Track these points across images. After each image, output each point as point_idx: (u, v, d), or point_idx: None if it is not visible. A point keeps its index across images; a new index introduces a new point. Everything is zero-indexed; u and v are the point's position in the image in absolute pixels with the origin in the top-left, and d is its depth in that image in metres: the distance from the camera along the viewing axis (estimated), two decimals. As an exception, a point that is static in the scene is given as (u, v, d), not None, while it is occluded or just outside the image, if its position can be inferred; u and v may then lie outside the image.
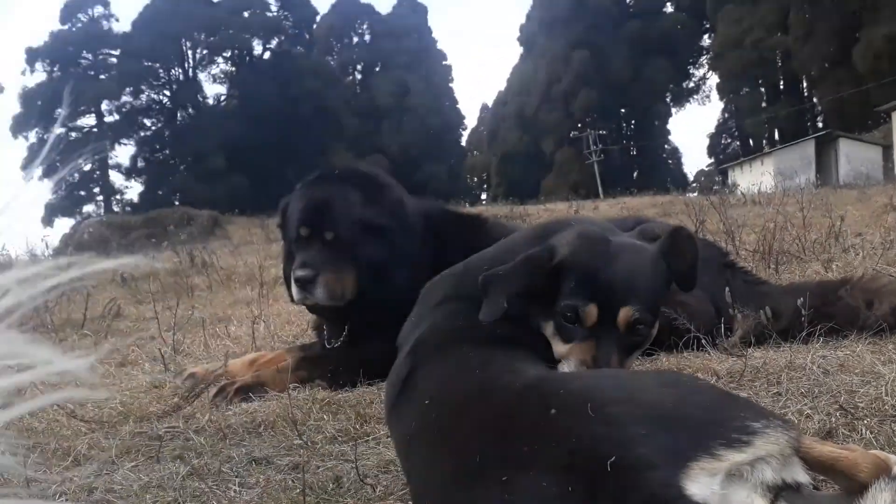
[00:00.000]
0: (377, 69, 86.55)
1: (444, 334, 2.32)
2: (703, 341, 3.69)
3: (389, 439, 2.79)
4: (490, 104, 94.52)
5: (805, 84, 67.99)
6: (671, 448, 1.47)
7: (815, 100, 66.27)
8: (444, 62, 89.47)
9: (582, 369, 2.20)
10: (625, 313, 2.23)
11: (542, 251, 2.31)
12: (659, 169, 76.21)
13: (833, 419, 2.59)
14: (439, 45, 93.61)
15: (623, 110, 78.62)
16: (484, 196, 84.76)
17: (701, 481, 1.44)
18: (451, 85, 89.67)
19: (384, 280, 4.11)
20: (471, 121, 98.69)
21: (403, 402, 2.19)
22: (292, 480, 2.54)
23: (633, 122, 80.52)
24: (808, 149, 44.02)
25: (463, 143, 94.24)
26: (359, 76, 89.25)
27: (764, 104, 69.99)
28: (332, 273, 4.02)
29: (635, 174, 78.78)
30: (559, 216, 3.08)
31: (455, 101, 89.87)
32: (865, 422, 2.54)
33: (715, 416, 1.56)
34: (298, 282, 3.98)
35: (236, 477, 2.63)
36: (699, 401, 1.61)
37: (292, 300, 4.32)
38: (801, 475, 1.57)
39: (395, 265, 4.14)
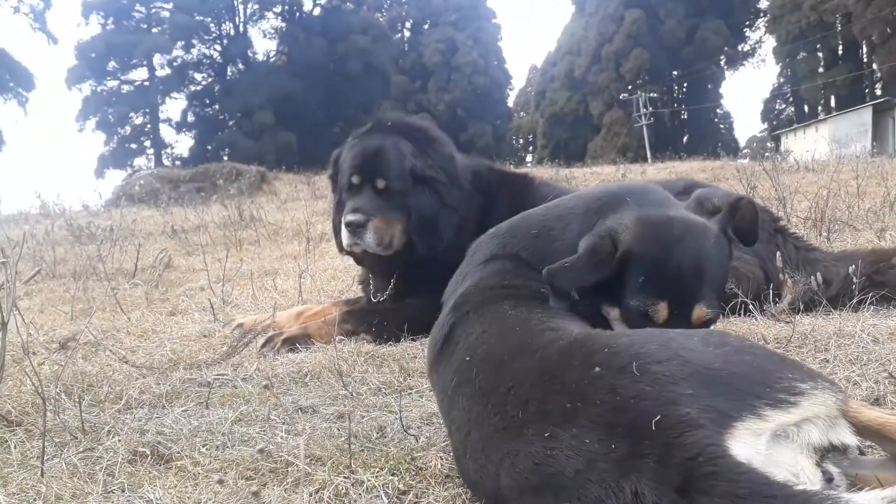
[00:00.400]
0: (426, 27, 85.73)
1: (487, 292, 2.32)
2: (751, 306, 3.65)
3: (432, 393, 2.82)
4: (538, 65, 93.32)
5: (865, 49, 65.87)
6: (716, 408, 1.46)
7: (874, 66, 64.22)
8: (493, 20, 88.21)
9: None
10: (698, 312, 2.18)
11: (603, 241, 2.22)
12: (710, 134, 74.74)
13: (881, 387, 2.55)
14: (489, 3, 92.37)
15: (675, 73, 76.90)
16: (529, 158, 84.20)
17: (745, 441, 1.43)
18: (499, 44, 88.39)
19: (432, 232, 4.14)
20: (518, 81, 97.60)
21: (445, 357, 2.21)
22: (338, 429, 2.59)
23: (684, 84, 78.83)
24: (864, 116, 42.79)
25: (510, 103, 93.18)
26: (407, 33, 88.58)
27: (821, 69, 68.02)
28: (383, 220, 4.07)
29: (685, 138, 77.33)
30: (611, 184, 2.93)
31: (503, 61, 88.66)
32: (915, 390, 2.50)
33: (761, 376, 1.54)
34: (349, 226, 4.04)
35: (283, 424, 2.69)
36: (746, 361, 1.59)
37: (340, 249, 4.37)
38: (848, 437, 1.55)
39: (443, 218, 4.17)
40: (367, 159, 4.15)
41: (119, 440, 2.56)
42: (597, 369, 1.62)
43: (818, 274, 3.87)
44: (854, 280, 3.77)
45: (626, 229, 2.23)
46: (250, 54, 79.55)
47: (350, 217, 4.04)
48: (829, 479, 1.50)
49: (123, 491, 2.16)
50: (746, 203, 2.39)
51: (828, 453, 1.52)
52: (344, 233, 4.10)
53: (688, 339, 1.68)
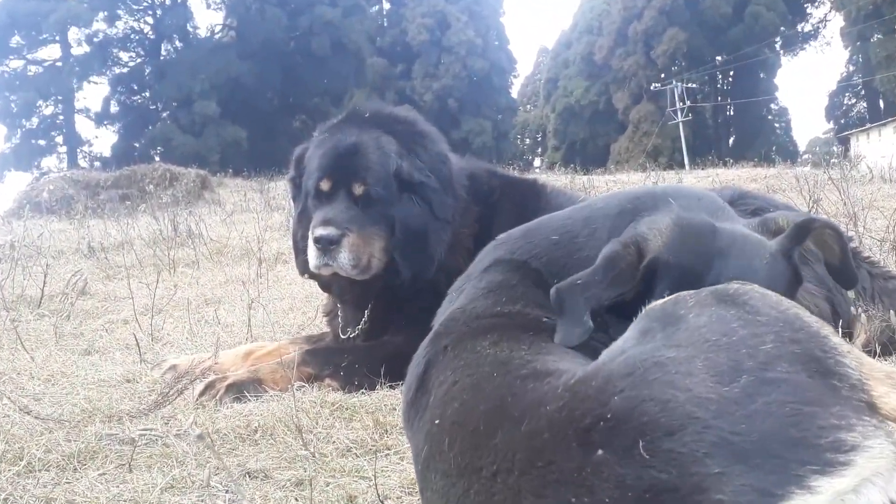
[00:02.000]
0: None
1: (473, 321, 2.31)
2: (815, 348, 3.65)
3: (416, 454, 2.80)
4: (550, 47, 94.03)
5: (955, 31, 66.53)
6: (755, 487, 1.45)
7: (966, 51, 64.81)
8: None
9: None
10: None
11: (626, 246, 2.23)
12: (762, 134, 75.12)
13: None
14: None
15: (719, 58, 77.52)
16: (538, 162, 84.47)
17: None
18: (501, 20, 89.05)
19: (419, 251, 4.13)
20: (525, 67, 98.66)
21: (418, 410, 2.20)
22: (296, 499, 2.57)
23: (730, 73, 79.46)
24: (955, 114, 43.16)
25: (514, 94, 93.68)
26: (387, 5, 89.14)
27: (900, 55, 68.64)
28: (361, 236, 4.05)
29: (731, 140, 77.89)
30: (657, 185, 2.88)
31: (506, 41, 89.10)
32: None
33: (799, 429, 1.51)
34: (320, 242, 4.00)
35: (226, 492, 2.66)
36: (774, 403, 1.54)
37: (303, 271, 4.35)
38: None
39: (434, 234, 4.16)
40: (342, 158, 4.14)
41: (18, 512, 2.53)
42: (599, 452, 1.59)
43: (898, 308, 3.88)
44: (944, 317, 3.78)
45: (658, 234, 2.24)
46: (190, 29, 79.44)
47: (321, 231, 4.01)
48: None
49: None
50: (823, 225, 2.36)
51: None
52: (311, 251, 4.07)
53: (690, 372, 1.62)
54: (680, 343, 1.71)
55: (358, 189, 4.10)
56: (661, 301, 1.92)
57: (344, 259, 4.02)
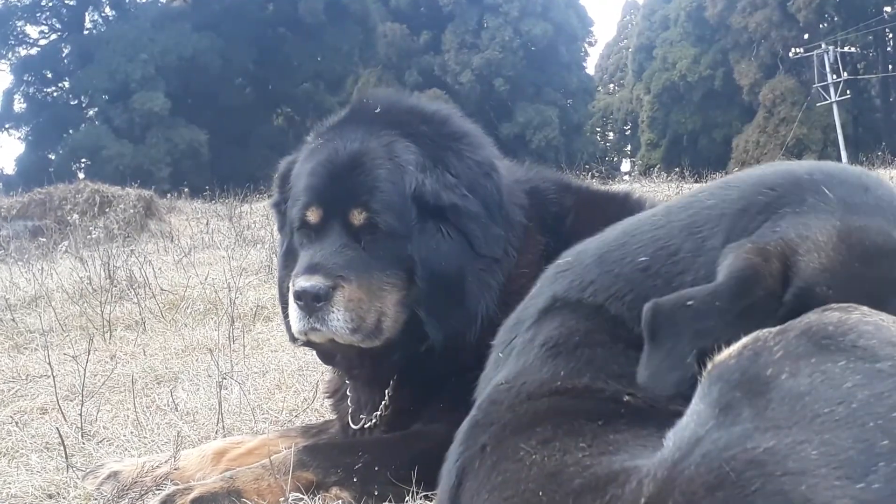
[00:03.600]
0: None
1: (523, 404, 2.33)
2: None
3: None
4: (641, 1, 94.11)
5: None
6: None
7: None
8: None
9: None
10: None
11: (766, 259, 2.17)
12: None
13: None
14: None
15: (888, 9, 77.11)
16: (627, 166, 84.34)
17: None
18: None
19: (452, 303, 4.13)
20: (605, 30, 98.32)
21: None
22: None
23: (904, 30, 79.12)
24: None
25: (590, 69, 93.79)
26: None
27: None
28: (361, 286, 4.03)
29: (909, 126, 77.34)
30: (796, 163, 2.66)
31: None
32: None
33: None
34: (301, 298, 3.98)
35: None
36: None
37: (293, 337, 4.35)
38: None
39: (474, 277, 4.17)
40: (337, 176, 4.16)
41: None
42: None
43: None
44: None
45: (815, 248, 2.17)
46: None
47: (303, 283, 3.97)
48: None
49: None
50: None
51: None
52: (293, 310, 4.08)
53: (804, 470, 1.58)
54: (778, 423, 1.66)
55: (357, 218, 4.10)
56: (732, 352, 1.89)
57: (338, 320, 3.98)
